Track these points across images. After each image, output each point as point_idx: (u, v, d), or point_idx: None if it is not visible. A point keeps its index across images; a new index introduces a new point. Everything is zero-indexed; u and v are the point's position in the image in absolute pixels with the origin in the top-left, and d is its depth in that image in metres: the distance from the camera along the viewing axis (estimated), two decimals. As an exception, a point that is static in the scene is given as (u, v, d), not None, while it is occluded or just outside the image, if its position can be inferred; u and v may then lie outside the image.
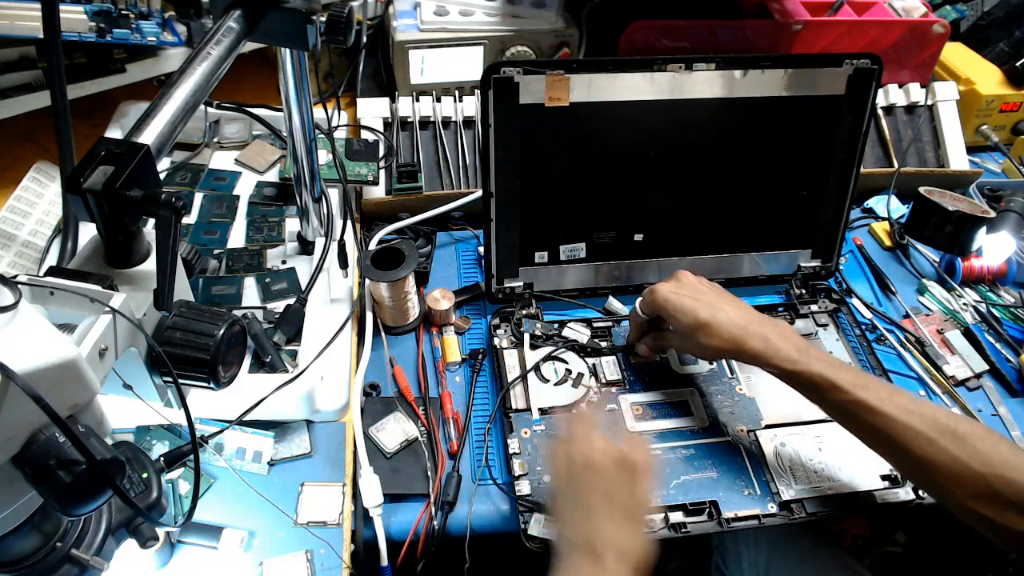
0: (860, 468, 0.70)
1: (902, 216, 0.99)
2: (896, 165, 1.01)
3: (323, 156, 0.88)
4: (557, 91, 0.74)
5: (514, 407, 0.74)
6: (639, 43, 1.00)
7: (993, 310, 0.87)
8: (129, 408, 0.48)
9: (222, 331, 0.45)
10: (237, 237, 0.88)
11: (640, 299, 0.74)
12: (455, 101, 0.96)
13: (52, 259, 0.80)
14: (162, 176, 0.93)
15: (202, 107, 0.89)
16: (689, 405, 0.75)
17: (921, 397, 0.62)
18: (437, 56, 1.01)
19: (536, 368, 0.77)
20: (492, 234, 0.79)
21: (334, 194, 0.87)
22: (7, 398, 0.33)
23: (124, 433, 0.66)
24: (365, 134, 0.95)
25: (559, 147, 0.77)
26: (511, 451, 0.69)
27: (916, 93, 1.05)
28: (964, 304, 0.89)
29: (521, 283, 0.83)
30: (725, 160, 0.82)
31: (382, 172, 0.92)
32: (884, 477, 0.70)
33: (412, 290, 0.79)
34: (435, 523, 0.66)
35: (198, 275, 0.81)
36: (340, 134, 0.97)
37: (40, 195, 0.87)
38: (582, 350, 0.79)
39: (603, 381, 0.76)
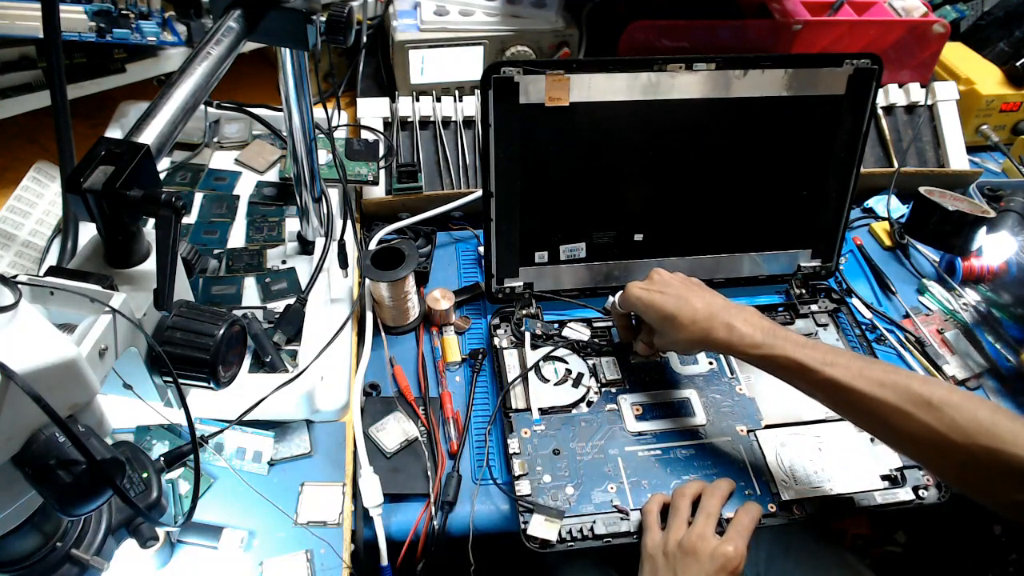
0: (860, 468, 0.70)
1: (902, 216, 0.99)
2: (896, 165, 1.01)
3: (323, 156, 0.88)
4: (557, 91, 0.74)
5: (514, 407, 0.74)
6: (639, 43, 1.00)
7: (993, 310, 0.87)
8: (129, 408, 0.48)
9: (222, 331, 0.45)
10: (237, 237, 0.88)
11: (617, 295, 0.75)
12: (455, 101, 0.96)
13: (52, 259, 0.80)
14: (162, 176, 0.93)
15: (202, 107, 0.89)
16: (689, 405, 0.75)
17: (897, 367, 0.60)
18: (437, 56, 1.01)
19: (536, 368, 0.77)
20: (492, 234, 0.79)
21: (334, 194, 0.87)
22: (7, 398, 0.33)
23: (124, 433, 0.66)
24: (365, 134, 0.95)
25: (559, 147, 0.77)
26: (511, 451, 0.69)
27: (916, 93, 1.05)
28: (964, 304, 0.89)
29: (521, 283, 0.83)
30: (725, 160, 0.82)
31: (382, 172, 0.92)
32: (884, 477, 0.70)
33: (412, 290, 0.79)
34: (435, 523, 0.66)
35: (198, 275, 0.81)
36: (340, 134, 0.97)
37: (40, 195, 0.87)
38: (582, 350, 0.79)
39: (603, 381, 0.76)
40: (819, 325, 0.85)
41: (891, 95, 1.05)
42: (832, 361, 0.60)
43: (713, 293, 0.70)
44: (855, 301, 0.89)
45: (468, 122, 0.96)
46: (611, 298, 0.78)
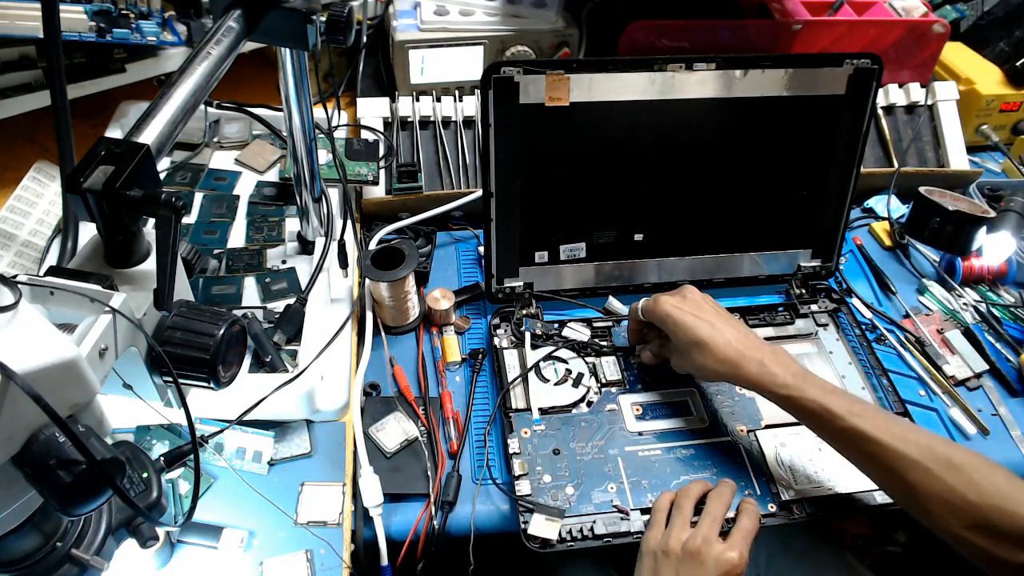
0: (860, 468, 0.70)
1: (902, 216, 0.99)
2: (896, 165, 1.01)
3: (323, 156, 0.88)
4: (557, 91, 0.74)
5: (514, 407, 0.74)
6: (639, 43, 1.00)
7: (993, 310, 0.87)
8: (129, 408, 0.48)
9: (222, 331, 0.45)
10: (237, 237, 0.88)
11: (643, 301, 0.74)
12: (455, 101, 0.96)
13: (52, 259, 0.80)
14: (162, 176, 0.93)
15: (202, 107, 0.89)
16: (689, 405, 0.75)
17: (919, 427, 0.62)
18: (437, 56, 1.01)
19: (536, 368, 0.77)
20: (492, 234, 0.79)
21: (334, 194, 0.87)
22: (7, 398, 0.33)
23: (124, 433, 0.66)
24: (365, 134, 0.95)
25: (559, 147, 0.77)
26: (511, 451, 0.69)
27: (916, 93, 1.05)
28: (964, 304, 0.89)
29: (521, 283, 0.83)
30: (725, 160, 0.82)
31: (382, 172, 0.92)
32: (884, 477, 0.70)
33: (412, 290, 0.79)
34: (435, 523, 0.66)
35: (198, 275, 0.81)
36: (340, 134, 0.97)
37: (40, 195, 0.87)
38: (582, 350, 0.79)
39: (603, 381, 0.76)
40: (819, 325, 0.85)
41: (891, 95, 1.05)
42: (859, 411, 0.60)
43: (745, 327, 0.69)
44: (855, 301, 0.88)
45: (468, 122, 0.96)
46: (635, 305, 0.75)
